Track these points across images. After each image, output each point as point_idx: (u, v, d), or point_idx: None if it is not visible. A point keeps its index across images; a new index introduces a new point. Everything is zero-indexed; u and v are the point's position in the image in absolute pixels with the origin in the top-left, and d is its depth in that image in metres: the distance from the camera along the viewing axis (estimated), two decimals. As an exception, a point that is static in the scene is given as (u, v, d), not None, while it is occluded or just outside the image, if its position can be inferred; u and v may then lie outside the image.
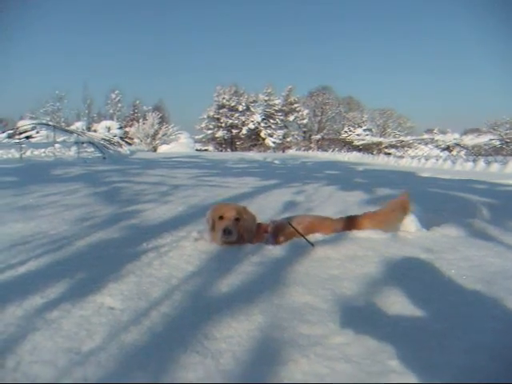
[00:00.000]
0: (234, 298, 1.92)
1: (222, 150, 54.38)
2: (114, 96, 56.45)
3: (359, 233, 3.14)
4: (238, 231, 2.90)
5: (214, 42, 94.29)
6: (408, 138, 32.41)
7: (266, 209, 4.60)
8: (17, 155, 16.86)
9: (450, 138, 26.21)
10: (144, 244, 2.96)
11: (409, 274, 2.28)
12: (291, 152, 49.02)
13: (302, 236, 2.73)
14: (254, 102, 59.55)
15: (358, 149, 40.27)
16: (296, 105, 61.67)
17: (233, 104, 57.78)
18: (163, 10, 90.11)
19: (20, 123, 25.01)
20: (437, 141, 26.65)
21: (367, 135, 51.77)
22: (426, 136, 31.63)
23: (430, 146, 27.34)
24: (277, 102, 59.72)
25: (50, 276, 2.28)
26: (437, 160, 18.90)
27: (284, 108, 60.65)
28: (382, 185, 7.60)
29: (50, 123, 24.57)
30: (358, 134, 53.78)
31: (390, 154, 33.63)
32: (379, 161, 24.97)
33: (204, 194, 5.91)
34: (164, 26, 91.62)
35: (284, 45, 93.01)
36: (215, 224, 2.95)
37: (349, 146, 46.58)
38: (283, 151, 53.24)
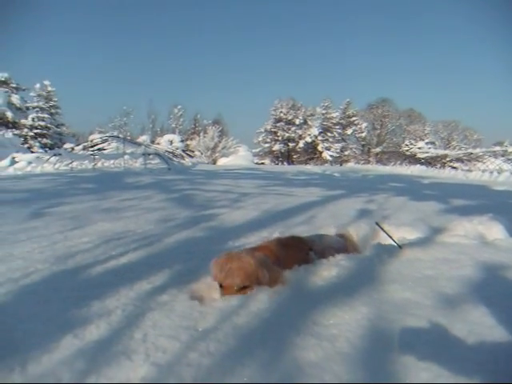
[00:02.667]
0: (333, 290, 1.94)
1: (278, 164, 54.59)
2: (176, 111, 58.77)
3: (448, 237, 3.04)
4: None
5: (272, 57, 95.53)
6: (477, 151, 30.51)
7: (338, 215, 4.58)
8: (89, 166, 18.02)
9: (526, 149, 24.35)
10: (230, 242, 3.07)
11: (510, 278, 2.18)
12: (350, 165, 48.17)
13: (390, 237, 2.70)
14: (312, 115, 59.31)
15: (421, 162, 38.69)
16: (354, 118, 60.65)
17: (290, 117, 57.92)
18: (223, 30, 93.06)
19: (92, 136, 26.85)
20: (510, 153, 24.86)
21: (430, 148, 49.75)
22: (497, 148, 29.61)
23: (501, 159, 25.60)
24: (334, 115, 59.08)
25: (151, 266, 2.43)
26: (511, 174, 17.70)
27: (342, 121, 59.85)
28: (455, 196, 7.29)
29: (120, 136, 26.14)
30: (419, 148, 51.79)
31: (455, 167, 32.03)
32: (445, 174, 23.84)
33: (274, 200, 5.98)
34: (222, 45, 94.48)
35: (342, 58, 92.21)
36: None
37: (410, 159, 44.97)
38: (341, 165, 52.44)
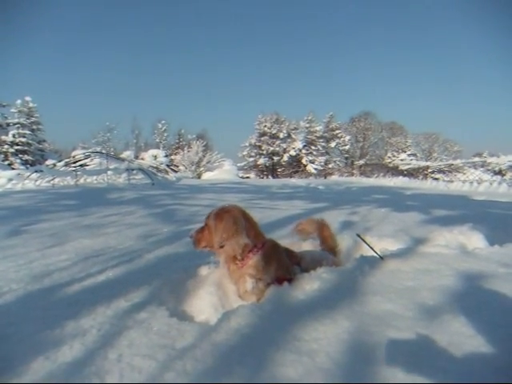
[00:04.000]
0: (314, 304, 1.92)
1: (263, 177, 54.71)
2: (160, 126, 58.75)
3: (429, 248, 3.06)
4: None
5: (256, 72, 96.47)
6: (457, 162, 31.09)
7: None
8: (71, 182, 17.79)
9: (504, 160, 24.81)
10: (212, 256, 3.02)
11: (489, 287, 2.19)
12: (334, 178, 48.50)
13: (372, 249, 2.70)
14: (295, 129, 59.85)
15: (403, 174, 39.19)
16: (337, 131, 61.43)
17: (274, 132, 58.31)
18: (208, 46, 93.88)
19: (74, 152, 26.53)
20: (489, 163, 25.39)
21: (412, 160, 50.53)
22: (477, 159, 30.24)
23: (480, 169, 26.12)
24: (318, 128, 59.76)
25: (129, 283, 2.38)
26: (490, 184, 18.07)
27: (325, 134, 60.55)
28: (436, 207, 7.38)
29: (103, 151, 25.93)
30: (401, 160, 52.57)
31: (437, 179, 32.54)
32: (427, 185, 24.19)
33: (258, 214, 5.91)
34: (206, 61, 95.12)
35: (324, 73, 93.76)
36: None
37: (393, 171, 45.53)
38: (325, 177, 52.79)
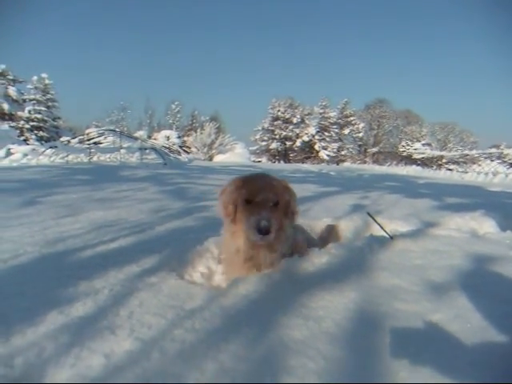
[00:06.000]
0: (323, 276, 1.94)
1: (275, 162, 54.52)
2: (173, 107, 58.72)
3: (439, 231, 3.05)
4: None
5: (271, 56, 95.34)
6: (473, 152, 30.59)
7: (332, 209, 4.59)
8: (85, 159, 17.96)
9: (523, 152, 24.37)
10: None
11: (498, 268, 2.18)
12: (346, 165, 48.17)
13: (382, 228, 2.70)
14: (309, 114, 59.30)
15: (417, 163, 38.79)
16: (351, 118, 60.71)
17: (287, 116, 57.85)
18: (223, 28, 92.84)
19: (88, 130, 26.73)
20: (506, 155, 24.96)
21: (426, 149, 49.93)
22: (493, 150, 29.63)
23: (496, 161, 25.67)
24: (332, 114, 59.08)
25: (141, 251, 2.42)
26: (506, 176, 17.79)
27: (339, 121, 59.88)
28: (449, 195, 7.31)
29: (117, 130, 26.09)
30: (415, 149, 51.96)
31: (451, 169, 32.14)
32: (441, 175, 23.93)
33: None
34: (219, 43, 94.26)
35: (342, 58, 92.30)
36: (239, 213, 2.03)
37: (406, 160, 45.07)
38: (337, 164, 52.44)
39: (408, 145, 56.47)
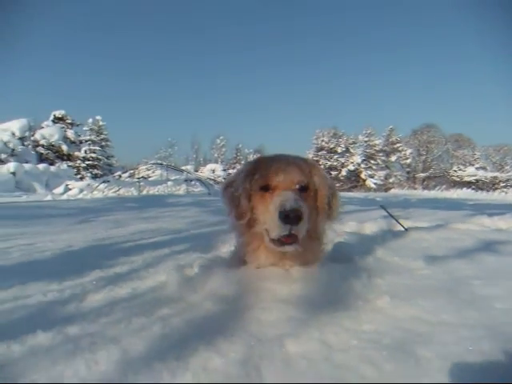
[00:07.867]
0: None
1: (320, 192, 54.14)
2: (218, 141, 60.69)
3: (458, 225, 3.15)
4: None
5: (312, 89, 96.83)
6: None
7: (362, 217, 4.73)
8: (135, 192, 18.99)
9: None
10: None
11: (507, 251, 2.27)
12: (393, 191, 47.20)
13: (395, 219, 2.85)
14: (354, 143, 59.00)
15: (471, 187, 37.18)
16: (398, 144, 59.71)
17: (332, 146, 57.91)
18: (265, 65, 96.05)
19: (138, 165, 28.32)
20: None
21: (479, 171, 47.97)
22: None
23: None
24: (377, 142, 58.43)
25: (175, 244, 2.74)
26: None
27: (385, 148, 59.05)
28: (492, 209, 7.17)
29: (164, 163, 27.47)
30: (468, 174, 50.04)
31: (506, 192, 30.61)
32: (494, 197, 22.90)
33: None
34: (264, 79, 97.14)
35: (382, 87, 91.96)
36: (256, 205, 1.56)
37: (458, 184, 43.40)
38: (385, 191, 51.42)
39: (460, 169, 54.47)
